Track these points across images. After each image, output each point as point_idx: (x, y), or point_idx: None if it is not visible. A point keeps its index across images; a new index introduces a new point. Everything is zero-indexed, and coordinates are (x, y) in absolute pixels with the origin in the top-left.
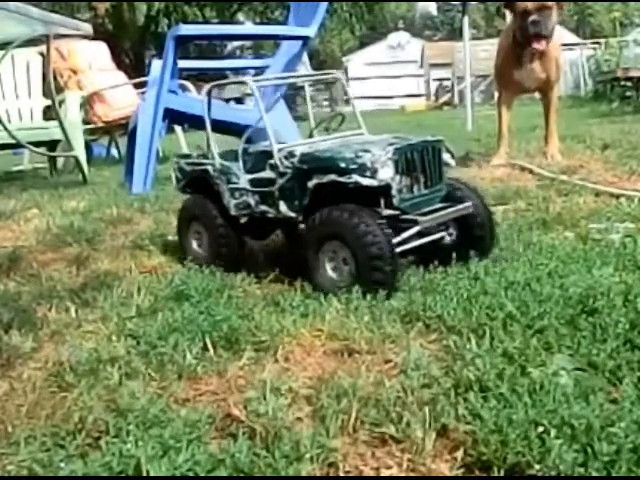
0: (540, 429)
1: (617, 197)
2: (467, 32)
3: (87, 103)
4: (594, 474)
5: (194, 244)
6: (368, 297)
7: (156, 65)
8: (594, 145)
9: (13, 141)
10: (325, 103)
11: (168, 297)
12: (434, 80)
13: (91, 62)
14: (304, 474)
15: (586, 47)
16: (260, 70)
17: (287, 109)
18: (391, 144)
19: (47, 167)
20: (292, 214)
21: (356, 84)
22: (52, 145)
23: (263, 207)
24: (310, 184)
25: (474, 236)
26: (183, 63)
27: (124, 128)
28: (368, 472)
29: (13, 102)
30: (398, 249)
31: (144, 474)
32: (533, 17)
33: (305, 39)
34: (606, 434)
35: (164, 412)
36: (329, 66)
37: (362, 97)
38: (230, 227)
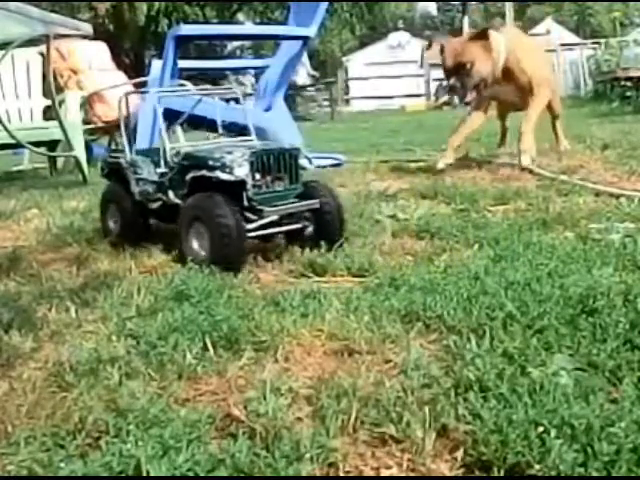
0: (540, 429)
1: (617, 197)
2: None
3: (87, 103)
4: (594, 474)
5: (111, 223)
6: (368, 297)
7: (156, 65)
8: (594, 145)
9: (13, 141)
10: (325, 103)
11: (168, 297)
12: (434, 80)
13: (91, 62)
14: (304, 474)
15: (586, 47)
16: (260, 70)
17: (287, 109)
18: (251, 148)
19: (47, 167)
20: (177, 200)
21: (356, 84)
22: (52, 145)
23: (158, 194)
24: (188, 177)
25: (326, 227)
26: (183, 63)
27: None
28: (368, 472)
29: (13, 102)
30: (253, 234)
31: (144, 474)
32: (450, 82)
33: (305, 39)
34: (606, 434)
35: (164, 412)
36: (329, 66)
37: (362, 97)
38: (137, 211)
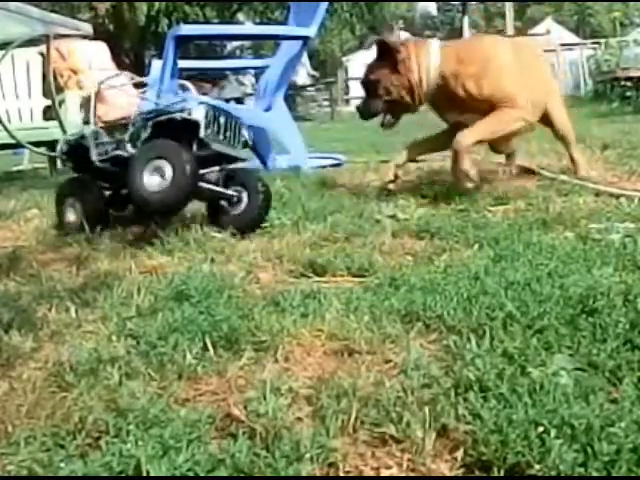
0: (540, 429)
1: (617, 197)
2: (467, 32)
3: (87, 103)
4: (594, 474)
5: (70, 216)
6: (368, 297)
7: (156, 65)
8: (594, 145)
9: (13, 141)
10: (325, 103)
11: (168, 297)
12: None
13: (91, 62)
14: (304, 474)
15: (586, 47)
16: (260, 70)
17: (287, 109)
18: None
19: (47, 167)
20: (133, 151)
21: (356, 84)
22: (52, 145)
23: (115, 152)
24: (150, 123)
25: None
26: (183, 63)
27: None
28: (368, 472)
29: (13, 102)
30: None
31: (144, 474)
32: (357, 104)
33: (305, 39)
34: (606, 434)
35: (164, 412)
36: (329, 66)
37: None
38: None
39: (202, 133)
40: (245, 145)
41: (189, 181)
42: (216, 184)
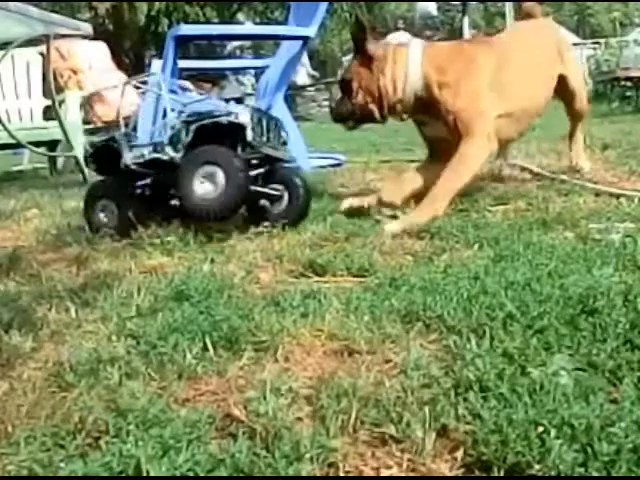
0: (540, 429)
1: (617, 197)
2: (467, 32)
3: (87, 103)
4: (594, 474)
5: (102, 217)
6: (368, 297)
7: (156, 65)
8: (594, 145)
9: (13, 141)
10: (325, 103)
11: (168, 297)
12: None
13: (91, 62)
14: (304, 474)
15: (586, 47)
16: (260, 70)
17: (287, 109)
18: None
19: (47, 167)
20: (174, 154)
21: None
22: (52, 145)
23: (153, 154)
24: (193, 127)
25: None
26: (183, 63)
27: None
28: (368, 472)
29: (13, 102)
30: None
31: (144, 474)
32: (330, 104)
33: (305, 39)
34: (606, 434)
35: (164, 412)
36: (329, 66)
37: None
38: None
39: (249, 136)
40: (285, 145)
41: (242, 188)
42: (261, 185)
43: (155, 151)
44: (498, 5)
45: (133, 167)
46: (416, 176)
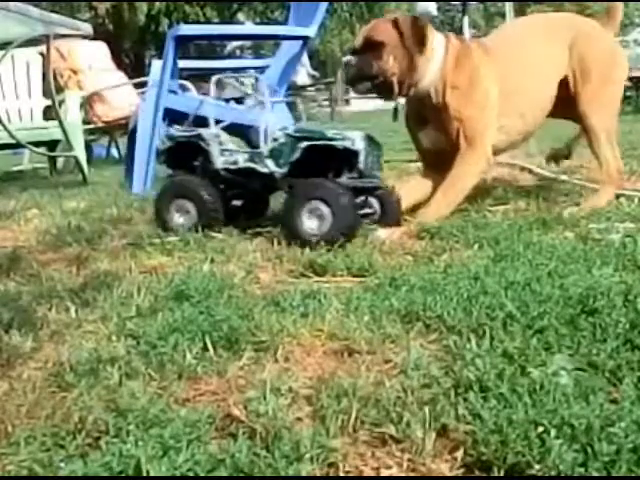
0: (540, 429)
1: (617, 197)
2: (467, 32)
3: (87, 103)
4: (594, 474)
5: (177, 217)
6: (368, 297)
7: (156, 65)
8: None
9: (13, 141)
10: (325, 103)
11: (168, 297)
12: None
13: (91, 62)
14: (304, 474)
15: None
16: (260, 70)
17: (287, 110)
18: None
19: (47, 167)
20: (276, 169)
21: None
22: (52, 145)
23: (249, 164)
24: (303, 145)
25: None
26: (183, 63)
27: (124, 128)
28: (368, 472)
29: (13, 102)
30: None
31: (144, 474)
32: (347, 58)
33: (305, 39)
34: (606, 434)
35: (164, 412)
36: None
37: (362, 97)
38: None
39: (362, 164)
40: (381, 168)
41: (351, 228)
42: (362, 208)
43: (251, 160)
44: (498, 5)
45: (222, 173)
46: (412, 191)
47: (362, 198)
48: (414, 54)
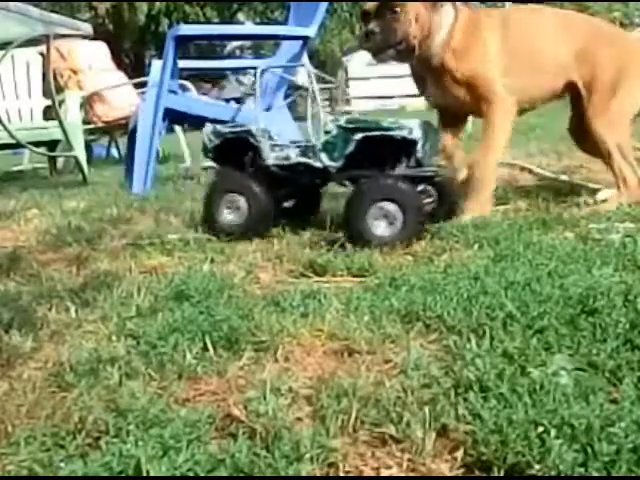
0: (540, 429)
1: None
2: None
3: (87, 103)
4: (594, 474)
5: (227, 214)
6: (368, 297)
7: (156, 65)
8: None
9: (13, 141)
10: (325, 103)
11: (168, 297)
12: None
13: (91, 62)
14: (304, 474)
15: None
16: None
17: (287, 109)
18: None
19: (47, 167)
20: (330, 162)
21: (356, 84)
22: (52, 145)
23: (302, 158)
24: (357, 136)
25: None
26: (183, 63)
27: (124, 128)
28: (368, 472)
29: (13, 102)
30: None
31: (144, 474)
32: (369, 27)
33: (305, 39)
34: (606, 434)
35: (164, 412)
36: (329, 66)
37: (362, 97)
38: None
39: (420, 153)
40: (438, 153)
41: (420, 228)
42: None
43: (304, 155)
44: (498, 5)
45: (273, 169)
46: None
47: (421, 187)
48: (432, 14)
